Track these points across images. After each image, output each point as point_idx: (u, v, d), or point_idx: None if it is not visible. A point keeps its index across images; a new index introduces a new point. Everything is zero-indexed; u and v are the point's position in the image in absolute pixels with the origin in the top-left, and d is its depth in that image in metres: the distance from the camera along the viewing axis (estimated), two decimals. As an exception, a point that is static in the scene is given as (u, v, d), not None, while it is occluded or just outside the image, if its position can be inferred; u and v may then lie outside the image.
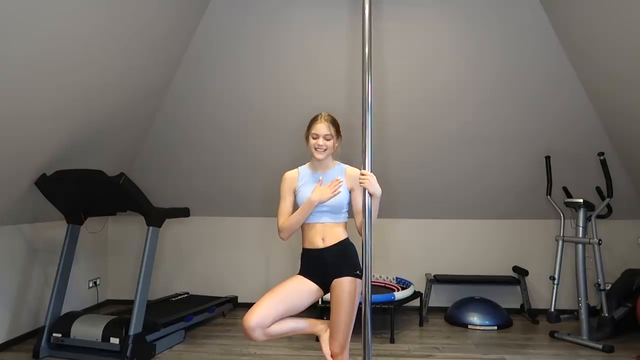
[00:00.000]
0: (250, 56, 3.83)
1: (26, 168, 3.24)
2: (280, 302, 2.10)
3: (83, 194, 3.46)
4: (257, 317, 2.03)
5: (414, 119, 4.10)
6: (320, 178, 2.22)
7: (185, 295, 4.65)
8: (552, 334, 3.92)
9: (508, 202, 4.60)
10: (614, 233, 4.52)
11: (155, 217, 3.42)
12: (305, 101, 3.97)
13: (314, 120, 2.24)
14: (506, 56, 3.75)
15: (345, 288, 2.11)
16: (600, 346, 3.56)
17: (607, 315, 3.87)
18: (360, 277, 2.15)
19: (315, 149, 2.20)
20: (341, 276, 2.13)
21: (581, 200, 3.89)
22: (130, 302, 3.44)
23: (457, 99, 3.99)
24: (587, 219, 3.96)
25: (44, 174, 3.38)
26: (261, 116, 4.15)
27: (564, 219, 4.12)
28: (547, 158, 4.24)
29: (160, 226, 3.46)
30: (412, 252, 4.78)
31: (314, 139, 2.21)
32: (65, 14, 2.57)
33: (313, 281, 2.19)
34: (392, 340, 3.76)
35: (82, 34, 2.78)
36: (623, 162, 4.15)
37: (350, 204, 2.25)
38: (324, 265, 2.17)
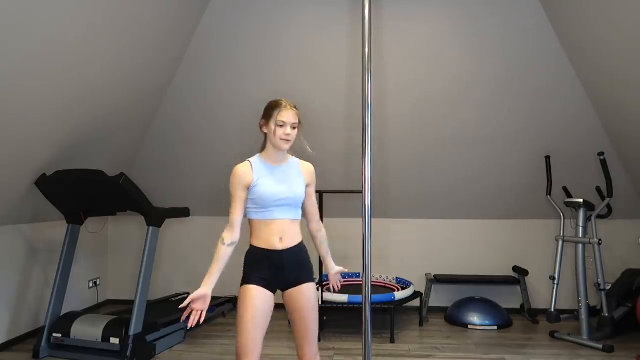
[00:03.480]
0: (250, 56, 3.83)
1: (26, 168, 3.24)
2: (261, 334, 1.98)
3: (83, 194, 3.46)
4: (254, 357, 1.95)
5: (414, 119, 4.10)
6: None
7: (185, 295, 4.65)
8: (552, 334, 3.92)
9: (508, 202, 4.60)
10: (614, 233, 4.52)
11: (155, 217, 3.42)
12: (305, 101, 3.96)
13: (277, 106, 2.06)
14: (506, 56, 3.75)
15: (309, 295, 2.05)
16: (600, 346, 3.56)
17: (607, 315, 3.87)
18: (314, 281, 2.13)
19: (282, 139, 2.03)
20: (302, 283, 2.06)
21: (581, 200, 3.89)
22: (130, 302, 3.44)
23: (457, 99, 3.99)
24: (587, 219, 3.96)
25: (44, 174, 3.38)
26: (261, 115, 4.14)
27: (564, 219, 4.12)
28: (547, 158, 4.24)
29: (160, 226, 3.46)
30: (412, 252, 4.78)
31: (280, 127, 2.03)
32: (65, 14, 2.57)
33: (267, 289, 2.02)
34: (392, 340, 3.76)
35: (82, 34, 2.78)
36: (623, 162, 4.15)
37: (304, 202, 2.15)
38: (282, 269, 2.04)
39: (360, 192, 2.15)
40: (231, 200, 2.05)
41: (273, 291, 2.05)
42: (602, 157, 3.98)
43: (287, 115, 2.04)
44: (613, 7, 2.94)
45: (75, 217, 3.61)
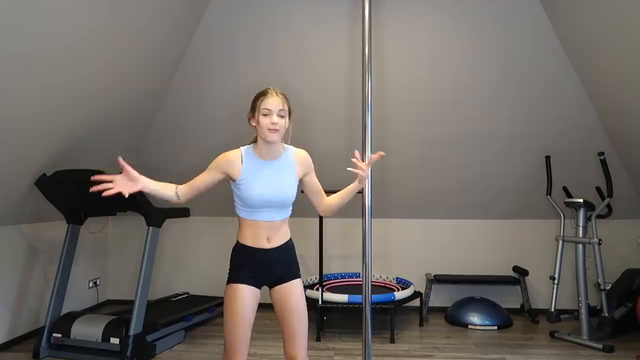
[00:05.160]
0: (249, 56, 3.83)
1: (26, 168, 3.24)
2: (250, 332, 1.94)
3: (83, 194, 3.45)
4: (242, 355, 1.92)
5: (414, 119, 4.10)
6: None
7: (185, 295, 4.65)
8: (552, 334, 3.92)
9: (508, 202, 4.60)
10: (614, 233, 4.52)
11: (156, 217, 3.42)
12: (305, 101, 3.97)
13: (262, 94, 1.92)
14: (506, 57, 3.75)
15: (298, 292, 2.00)
16: (600, 346, 3.56)
17: (607, 315, 3.87)
18: (301, 277, 2.07)
19: (269, 129, 1.87)
20: (290, 280, 2.00)
21: (581, 200, 3.89)
22: (130, 302, 3.44)
23: (458, 99, 3.99)
24: (587, 219, 3.96)
25: (44, 174, 3.38)
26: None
27: (564, 219, 4.12)
28: (547, 158, 4.24)
29: (160, 226, 3.46)
30: (412, 252, 4.78)
31: (265, 115, 1.87)
32: (66, 14, 2.57)
33: (254, 285, 1.96)
34: (392, 340, 3.76)
35: (84, 34, 2.78)
36: (623, 162, 4.15)
37: (296, 193, 2.03)
38: (269, 267, 1.97)
39: (360, 192, 2.16)
40: (205, 170, 1.98)
41: (259, 287, 1.99)
42: (602, 157, 3.98)
43: (272, 103, 1.88)
44: (613, 7, 2.94)
45: (75, 217, 3.61)
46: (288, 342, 1.97)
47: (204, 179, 1.98)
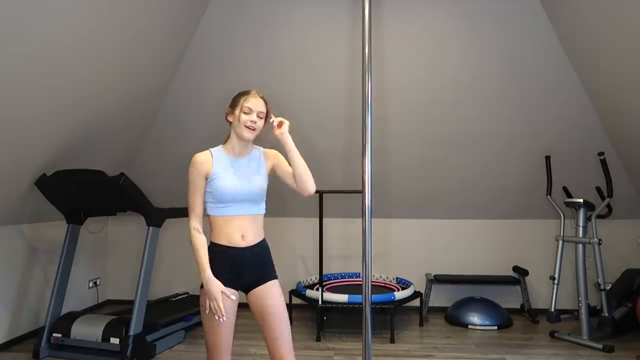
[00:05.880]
0: (250, 56, 3.83)
1: (26, 168, 3.24)
2: (232, 332, 1.95)
3: (83, 194, 3.46)
4: (226, 356, 1.93)
5: (414, 119, 4.10)
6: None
7: (185, 295, 4.65)
8: (552, 334, 3.92)
9: (508, 202, 4.60)
10: (614, 233, 4.52)
11: (156, 217, 3.42)
12: (306, 101, 3.98)
13: (246, 93, 1.99)
14: (506, 57, 3.75)
15: (277, 293, 1.99)
16: (600, 346, 3.57)
17: (607, 315, 3.87)
18: (277, 278, 2.06)
19: (247, 126, 1.94)
20: (267, 281, 1.99)
21: (581, 200, 3.89)
22: (130, 302, 3.44)
23: (458, 99, 3.99)
24: (587, 219, 3.96)
25: (44, 174, 3.38)
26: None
27: (564, 218, 4.12)
28: (547, 158, 4.24)
29: (160, 226, 3.46)
30: (412, 252, 4.78)
31: (246, 113, 1.95)
32: (66, 14, 2.57)
33: (232, 287, 1.94)
34: (392, 340, 3.76)
35: (84, 34, 2.78)
36: (623, 162, 4.15)
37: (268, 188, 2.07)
38: (244, 266, 1.96)
39: (360, 192, 2.15)
40: (190, 190, 1.97)
41: (236, 289, 1.98)
42: (602, 157, 3.99)
43: (254, 103, 1.96)
44: (613, 7, 2.94)
45: (75, 217, 3.61)
46: (273, 345, 1.96)
47: (200, 198, 1.99)
